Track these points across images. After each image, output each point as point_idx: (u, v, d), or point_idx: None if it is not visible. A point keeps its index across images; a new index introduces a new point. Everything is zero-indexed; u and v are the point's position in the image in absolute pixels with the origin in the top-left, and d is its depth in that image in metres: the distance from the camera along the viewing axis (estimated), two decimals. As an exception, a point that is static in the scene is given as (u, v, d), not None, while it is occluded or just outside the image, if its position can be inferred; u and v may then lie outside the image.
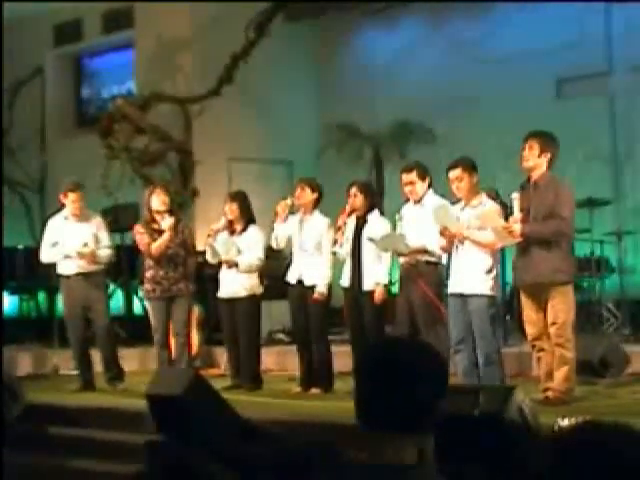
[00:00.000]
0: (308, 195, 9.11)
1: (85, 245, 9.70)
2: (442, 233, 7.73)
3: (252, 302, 9.41)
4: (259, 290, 9.50)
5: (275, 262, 10.13)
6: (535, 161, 7.47)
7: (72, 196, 9.78)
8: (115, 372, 9.85)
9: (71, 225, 9.85)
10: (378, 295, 8.63)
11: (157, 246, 9.38)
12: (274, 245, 9.32)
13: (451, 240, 7.74)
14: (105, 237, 9.98)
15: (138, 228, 9.59)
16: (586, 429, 1.68)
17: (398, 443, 2.46)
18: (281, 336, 11.95)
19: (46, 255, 9.87)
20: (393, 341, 2.69)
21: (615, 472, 1.57)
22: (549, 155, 7.48)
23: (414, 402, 2.43)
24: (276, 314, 11.34)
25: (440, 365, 2.58)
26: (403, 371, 2.44)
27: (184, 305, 9.43)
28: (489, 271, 7.68)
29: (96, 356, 9.94)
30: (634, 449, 1.63)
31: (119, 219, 12.81)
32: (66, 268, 9.79)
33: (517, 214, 7.37)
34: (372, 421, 2.50)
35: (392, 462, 2.43)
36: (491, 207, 7.82)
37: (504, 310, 10.20)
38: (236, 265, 9.39)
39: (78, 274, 9.70)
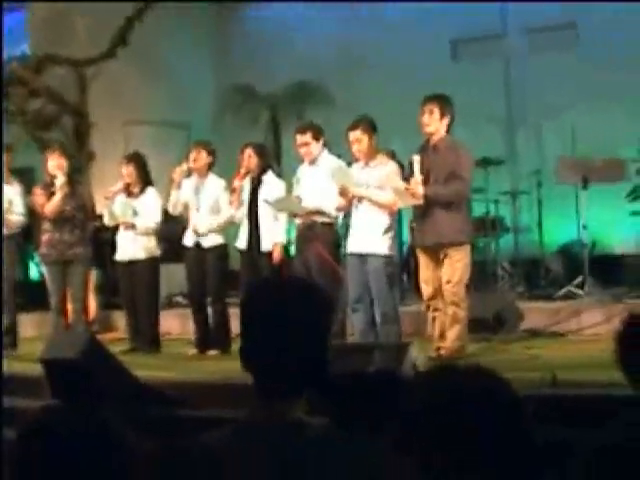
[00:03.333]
0: (203, 158, 9.05)
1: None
2: (341, 193, 7.72)
3: (151, 264, 9.33)
4: (157, 252, 9.43)
5: (172, 225, 10.02)
6: (436, 125, 7.55)
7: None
8: (10, 338, 9.66)
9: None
10: (276, 255, 8.63)
11: (51, 205, 9.22)
12: (171, 211, 9.24)
13: (350, 200, 7.74)
14: (19, 203, 9.78)
15: (36, 190, 9.46)
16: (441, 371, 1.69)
17: (287, 405, 2.40)
18: (179, 299, 11.86)
19: None
20: (275, 280, 2.59)
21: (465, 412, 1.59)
22: (448, 118, 7.57)
23: (300, 353, 2.37)
24: (174, 277, 11.24)
25: (327, 308, 2.50)
26: (287, 310, 2.36)
27: (81, 269, 9.28)
28: (387, 231, 7.71)
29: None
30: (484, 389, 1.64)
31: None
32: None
33: (418, 176, 7.42)
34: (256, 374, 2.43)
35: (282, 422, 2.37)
36: (391, 167, 7.84)
37: (400, 270, 10.26)
38: (133, 227, 9.29)
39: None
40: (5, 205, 9.62)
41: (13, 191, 9.78)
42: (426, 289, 7.57)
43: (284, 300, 2.39)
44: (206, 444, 1.94)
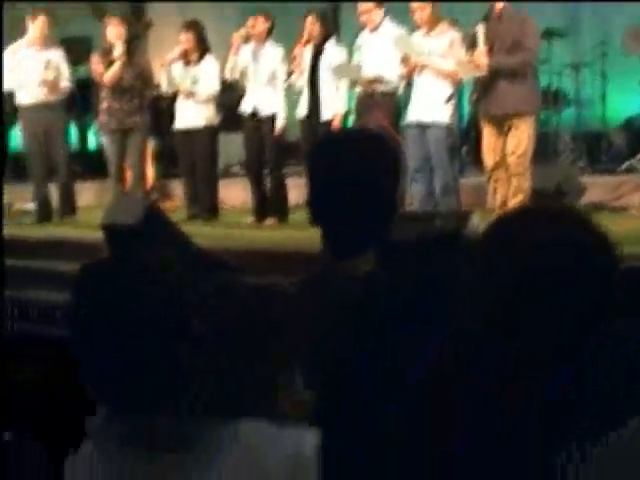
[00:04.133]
0: (261, 24, 8.93)
1: (47, 70, 9.47)
2: (404, 61, 7.62)
3: (209, 132, 9.28)
4: (215, 121, 9.37)
5: (230, 93, 9.93)
6: (500, -7, 7.41)
7: (40, 20, 9.53)
8: (70, 206, 9.75)
9: (33, 52, 9.58)
10: (336, 124, 8.54)
11: (109, 73, 9.18)
12: (228, 76, 9.15)
13: (412, 68, 7.64)
14: (66, 69, 9.76)
15: (94, 58, 9.42)
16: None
17: (353, 260, 2.38)
18: (237, 169, 11.85)
19: (8, 82, 9.58)
20: (341, 133, 2.53)
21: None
22: (512, -14, 7.41)
23: (370, 199, 2.33)
24: (232, 147, 11.20)
25: (397, 158, 2.47)
26: (354, 162, 2.32)
27: (139, 138, 9.29)
28: (449, 100, 7.61)
29: (52, 190, 9.80)
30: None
31: (70, 52, 12.45)
32: (26, 97, 9.56)
33: (482, 46, 7.31)
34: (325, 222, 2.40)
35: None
36: (454, 36, 7.70)
37: (460, 143, 10.14)
38: (192, 95, 9.23)
39: (38, 104, 9.48)
40: (52, 72, 9.55)
41: (58, 57, 9.71)
42: (489, 159, 7.51)
43: (351, 151, 2.34)
44: (278, 291, 1.92)
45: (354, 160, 2.31)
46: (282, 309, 1.84)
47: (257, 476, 1.57)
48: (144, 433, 1.61)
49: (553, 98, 11.05)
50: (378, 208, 2.35)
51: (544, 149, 10.55)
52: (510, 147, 7.36)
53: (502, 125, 7.40)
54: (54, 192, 9.80)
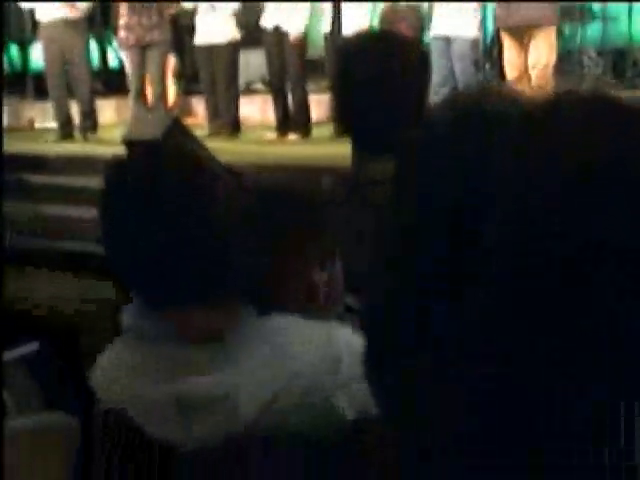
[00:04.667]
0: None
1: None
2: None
3: (230, 48, 9.23)
4: (237, 36, 9.29)
5: (250, 9, 9.83)
6: None
7: None
8: (91, 123, 9.73)
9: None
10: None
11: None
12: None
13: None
14: None
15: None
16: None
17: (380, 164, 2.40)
18: (259, 86, 11.77)
19: None
20: (369, 34, 2.53)
21: None
22: None
23: (396, 103, 2.33)
24: (253, 64, 11.11)
25: (424, 61, 2.47)
26: (384, 63, 2.32)
27: (159, 53, 9.24)
28: (474, 12, 7.52)
29: (74, 107, 9.78)
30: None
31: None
32: (46, 14, 9.49)
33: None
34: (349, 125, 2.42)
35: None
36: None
37: (484, 59, 10.02)
38: (212, 8, 9.14)
39: (58, 21, 9.41)
40: None
41: None
42: (511, 72, 7.45)
43: (379, 50, 2.34)
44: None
45: (382, 58, 2.32)
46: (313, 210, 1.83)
47: (287, 370, 1.58)
48: (176, 327, 1.61)
49: (579, 12, 10.88)
50: (406, 108, 2.35)
51: (568, 64, 10.43)
52: (531, 60, 7.29)
53: (522, 37, 7.31)
54: (75, 109, 9.77)
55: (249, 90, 11.67)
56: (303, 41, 8.80)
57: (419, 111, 2.42)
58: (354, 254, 1.89)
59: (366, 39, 2.52)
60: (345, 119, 2.48)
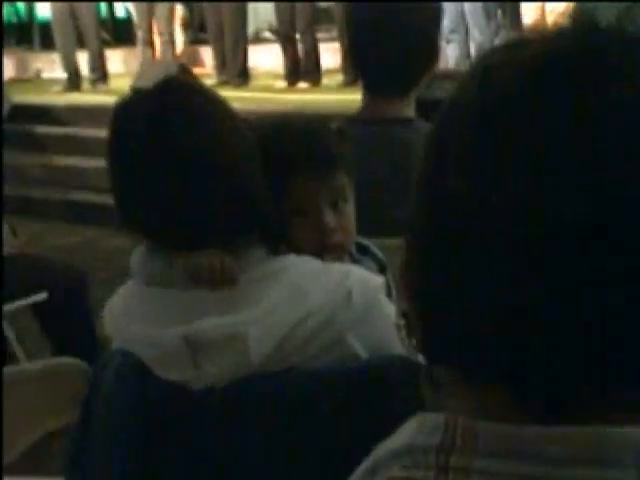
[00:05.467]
0: None
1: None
2: None
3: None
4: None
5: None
6: None
7: None
8: (100, 73, 9.69)
9: None
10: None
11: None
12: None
13: None
14: None
15: None
16: None
17: (392, 102, 2.43)
18: (267, 34, 11.69)
19: None
20: None
21: None
22: None
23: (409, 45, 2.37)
24: (262, 12, 11.04)
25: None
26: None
27: (166, 3, 9.17)
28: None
29: (81, 58, 9.72)
30: None
31: None
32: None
33: None
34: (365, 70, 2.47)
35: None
36: None
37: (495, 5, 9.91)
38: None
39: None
40: None
41: None
42: (527, 18, 7.37)
43: None
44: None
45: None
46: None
47: (300, 306, 1.57)
48: (187, 271, 1.60)
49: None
50: (417, 56, 2.43)
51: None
52: (550, 4, 7.19)
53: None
54: (83, 60, 9.72)
55: (258, 39, 11.60)
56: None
57: (430, 53, 2.45)
58: (366, 195, 1.88)
59: None
60: (358, 62, 2.52)
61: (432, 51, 2.46)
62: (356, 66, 2.58)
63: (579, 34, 0.70)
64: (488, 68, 0.71)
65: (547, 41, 0.69)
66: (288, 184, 1.73)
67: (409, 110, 2.46)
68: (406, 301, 0.74)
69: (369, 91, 2.46)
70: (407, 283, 0.74)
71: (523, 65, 0.68)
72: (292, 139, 1.77)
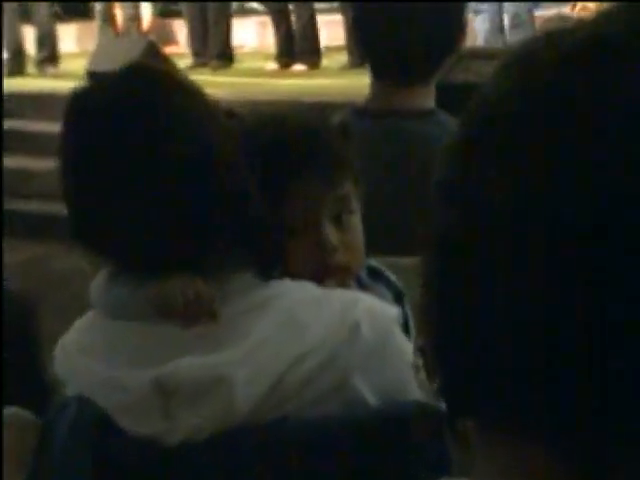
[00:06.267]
0: None
1: None
2: None
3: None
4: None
5: None
6: None
7: None
8: (49, 52, 9.71)
9: None
10: None
11: None
12: None
13: None
14: None
15: None
16: None
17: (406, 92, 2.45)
18: (255, 5, 11.72)
19: None
20: None
21: None
22: None
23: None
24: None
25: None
26: None
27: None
28: None
29: (29, 33, 9.75)
30: None
31: None
32: None
33: None
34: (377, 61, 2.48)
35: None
36: None
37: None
38: None
39: None
40: None
41: None
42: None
43: None
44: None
45: None
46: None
47: (295, 343, 1.58)
48: (156, 301, 1.61)
49: None
50: (438, 34, 2.42)
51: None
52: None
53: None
54: (29, 37, 9.75)
55: (244, 10, 11.62)
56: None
57: (455, 29, 2.45)
58: (378, 205, 1.89)
59: None
60: (364, 42, 2.52)
61: (458, 27, 2.46)
62: (362, 47, 2.57)
63: (632, 16, 0.71)
64: (530, 55, 0.72)
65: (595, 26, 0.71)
66: (282, 194, 1.73)
67: (429, 100, 2.46)
68: (423, 335, 0.75)
69: (379, 78, 2.45)
70: (424, 312, 0.75)
71: (571, 52, 0.69)
72: (285, 139, 1.77)
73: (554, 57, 0.69)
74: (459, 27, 2.48)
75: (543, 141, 0.67)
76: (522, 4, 7.57)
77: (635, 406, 0.64)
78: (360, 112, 2.46)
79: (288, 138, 1.77)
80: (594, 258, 0.64)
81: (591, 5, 7.44)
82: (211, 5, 9.17)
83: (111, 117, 1.61)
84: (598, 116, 0.66)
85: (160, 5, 11.51)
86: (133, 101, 1.62)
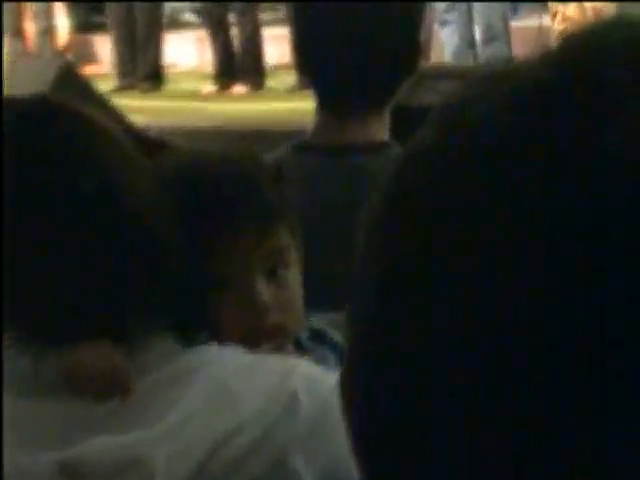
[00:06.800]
0: None
1: None
2: None
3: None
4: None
5: None
6: None
7: None
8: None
9: None
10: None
11: None
12: None
13: None
14: None
15: None
16: None
17: (359, 123, 2.43)
18: (189, 17, 11.76)
19: None
20: None
21: None
22: None
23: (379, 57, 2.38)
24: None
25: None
26: None
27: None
28: None
29: None
30: None
31: None
32: None
33: None
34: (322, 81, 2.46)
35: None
36: None
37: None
38: None
39: None
40: None
41: None
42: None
43: None
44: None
45: None
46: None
47: (224, 419, 1.58)
48: (62, 373, 1.61)
49: None
50: (392, 54, 2.40)
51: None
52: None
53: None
54: None
55: (177, 23, 11.64)
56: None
57: (411, 49, 2.44)
58: (321, 255, 1.90)
59: None
60: (306, 64, 2.51)
61: (413, 45, 2.44)
62: (305, 72, 2.55)
63: (570, 60, 0.75)
64: (458, 105, 0.75)
65: (532, 69, 0.74)
66: (207, 247, 1.74)
67: (383, 131, 2.45)
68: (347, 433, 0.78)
69: (324, 107, 2.45)
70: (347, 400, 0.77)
71: (503, 100, 0.73)
72: (210, 184, 1.78)
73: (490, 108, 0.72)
74: (415, 46, 2.46)
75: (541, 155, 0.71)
76: (496, 13, 7.59)
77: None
78: (302, 147, 2.44)
79: (213, 183, 1.78)
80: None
81: (573, 15, 7.49)
82: (140, 17, 9.18)
83: (8, 157, 1.61)
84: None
85: (79, 17, 11.50)
86: (34, 141, 1.63)
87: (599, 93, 0.71)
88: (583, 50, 0.74)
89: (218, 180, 1.78)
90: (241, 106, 8.20)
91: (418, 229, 0.71)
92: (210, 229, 1.73)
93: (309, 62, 2.49)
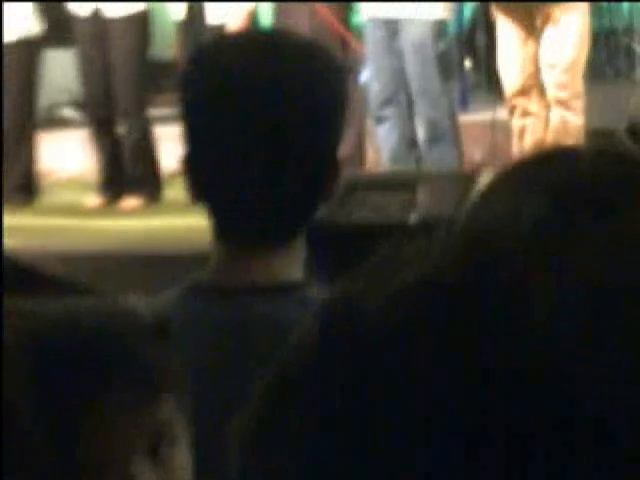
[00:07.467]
0: None
1: None
2: None
3: (24, 49, 9.35)
4: (36, 30, 9.45)
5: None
6: None
7: None
8: None
9: None
10: (243, 25, 8.58)
11: None
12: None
13: None
14: None
15: None
16: None
17: (263, 261, 2.43)
18: (67, 111, 11.83)
19: None
20: (245, 38, 2.56)
21: None
22: None
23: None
24: (59, 75, 11.20)
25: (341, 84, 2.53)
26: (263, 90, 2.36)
27: None
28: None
29: None
30: None
31: None
32: None
33: None
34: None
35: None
36: None
37: (461, 52, 10.23)
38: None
39: None
40: None
41: None
42: (512, 78, 7.59)
43: (261, 72, 2.37)
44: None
45: (265, 89, 2.36)
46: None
47: None
48: None
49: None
50: (306, 174, 2.38)
51: (609, 57, 10.68)
52: (546, 56, 7.44)
53: (531, 18, 7.48)
54: None
55: (54, 121, 11.71)
56: (141, 32, 8.91)
57: (329, 177, 2.43)
58: (215, 425, 1.89)
59: (241, 48, 2.54)
60: (198, 189, 2.50)
61: (329, 165, 2.45)
62: (197, 197, 2.53)
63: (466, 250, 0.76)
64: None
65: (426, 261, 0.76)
66: (73, 426, 1.73)
67: (294, 267, 2.44)
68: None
69: (223, 241, 2.44)
70: None
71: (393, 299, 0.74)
72: (74, 348, 1.76)
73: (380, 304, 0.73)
74: (330, 164, 2.44)
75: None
76: (441, 107, 7.68)
77: None
78: (196, 289, 2.43)
79: (78, 347, 1.77)
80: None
81: (532, 108, 7.63)
82: (7, 114, 9.21)
83: None
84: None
85: None
86: None
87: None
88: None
89: (84, 344, 1.76)
90: (132, 223, 8.21)
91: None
92: (76, 405, 1.72)
93: (200, 185, 2.47)
